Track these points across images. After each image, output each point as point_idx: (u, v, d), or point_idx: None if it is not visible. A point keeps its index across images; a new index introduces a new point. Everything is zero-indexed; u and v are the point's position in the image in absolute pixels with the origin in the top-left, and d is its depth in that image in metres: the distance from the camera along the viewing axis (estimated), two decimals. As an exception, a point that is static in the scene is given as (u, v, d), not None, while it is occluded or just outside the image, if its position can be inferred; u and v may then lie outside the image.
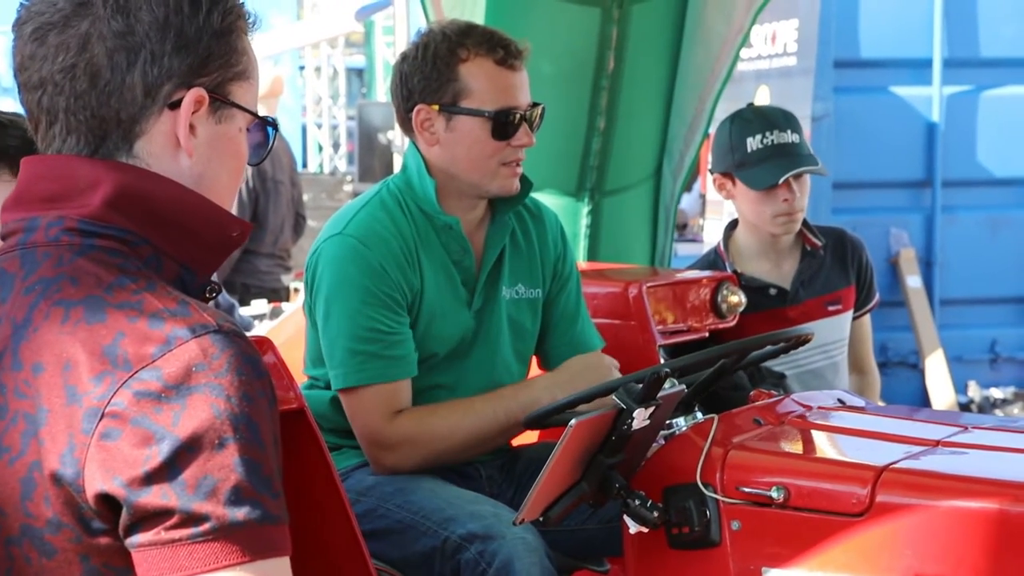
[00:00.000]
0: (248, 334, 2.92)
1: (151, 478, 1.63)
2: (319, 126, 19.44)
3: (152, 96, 1.83)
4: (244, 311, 7.59)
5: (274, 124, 2.02)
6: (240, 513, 1.64)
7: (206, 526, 1.63)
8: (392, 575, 3.23)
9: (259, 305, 7.57)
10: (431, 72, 3.51)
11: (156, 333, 1.69)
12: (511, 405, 3.47)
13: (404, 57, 3.61)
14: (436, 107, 3.52)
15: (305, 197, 9.48)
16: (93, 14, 1.81)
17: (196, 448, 1.64)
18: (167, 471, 1.63)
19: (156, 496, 1.63)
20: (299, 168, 12.45)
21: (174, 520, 1.64)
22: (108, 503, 1.66)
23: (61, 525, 1.69)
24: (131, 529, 1.66)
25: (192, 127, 1.86)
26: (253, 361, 1.71)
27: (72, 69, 1.82)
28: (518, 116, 3.52)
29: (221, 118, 1.90)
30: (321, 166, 18.85)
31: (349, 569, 2.84)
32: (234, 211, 6.61)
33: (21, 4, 1.87)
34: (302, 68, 19.91)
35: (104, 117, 1.84)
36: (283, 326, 4.94)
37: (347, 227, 3.49)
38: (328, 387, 3.53)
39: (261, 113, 1.99)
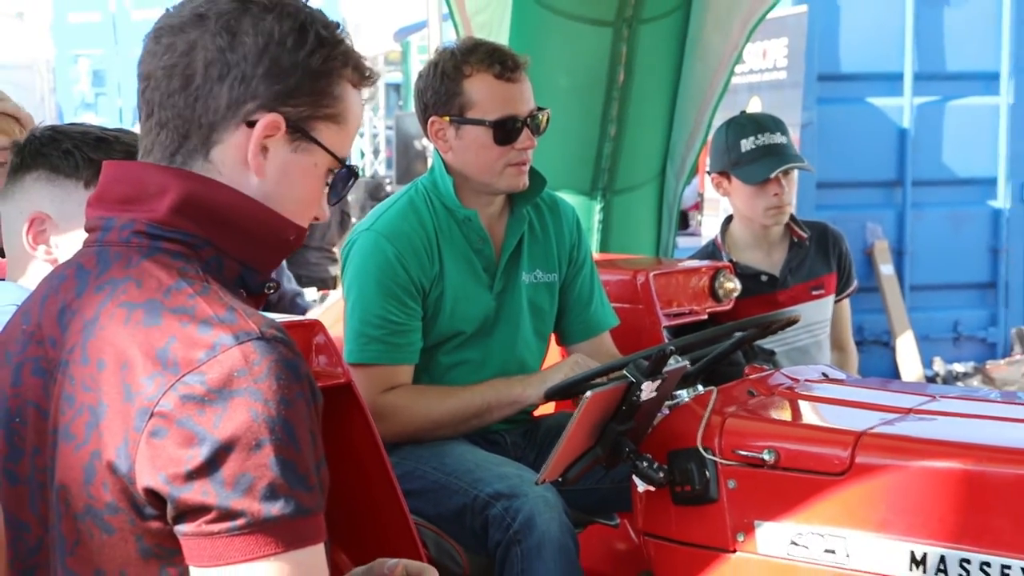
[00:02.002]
0: (302, 318, 2.94)
1: (193, 476, 1.61)
2: (361, 135, 19.46)
3: (233, 110, 1.80)
4: (295, 298, 7.64)
5: (353, 171, 1.94)
6: (275, 509, 1.61)
7: (242, 521, 1.61)
8: (429, 529, 3.23)
9: (309, 293, 7.61)
10: (440, 88, 3.53)
11: (204, 339, 1.65)
12: (488, 394, 3.48)
13: (420, 75, 3.63)
14: (447, 118, 3.53)
15: (350, 198, 9.49)
16: (204, 27, 1.79)
17: (234, 449, 1.60)
18: (207, 470, 1.60)
19: (197, 493, 1.61)
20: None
21: (213, 515, 1.61)
22: (155, 495, 1.64)
23: (118, 509, 1.68)
24: (177, 519, 1.64)
25: (266, 149, 1.82)
26: (292, 365, 1.67)
27: (172, 68, 1.80)
28: (519, 122, 3.51)
29: (298, 148, 1.84)
30: (363, 170, 18.89)
31: (392, 523, 2.85)
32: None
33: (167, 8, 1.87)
34: (347, 83, 19.93)
35: (188, 118, 1.80)
36: (331, 310, 4.95)
37: (376, 223, 3.52)
38: None
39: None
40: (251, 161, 1.82)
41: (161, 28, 1.83)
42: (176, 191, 1.80)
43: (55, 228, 2.37)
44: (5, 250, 2.46)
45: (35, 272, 2.36)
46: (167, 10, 1.85)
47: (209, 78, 1.79)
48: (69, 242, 2.33)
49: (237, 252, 1.84)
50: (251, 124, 1.80)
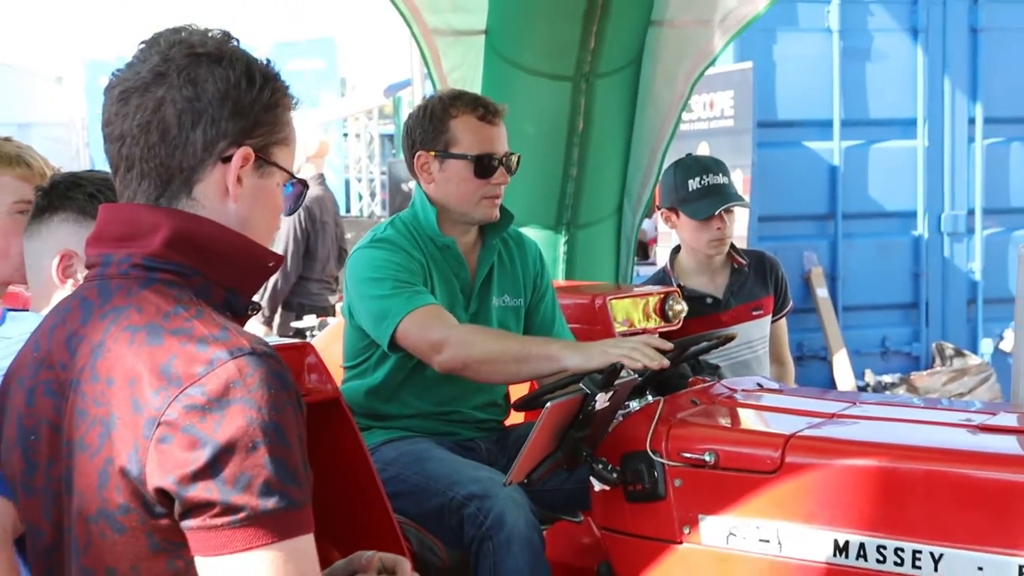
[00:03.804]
0: (295, 340, 2.94)
1: (197, 476, 1.61)
2: (359, 180, 19.54)
3: (209, 151, 1.81)
4: (298, 324, 7.64)
5: (305, 184, 1.99)
6: (270, 503, 1.62)
7: (242, 514, 1.61)
8: (412, 527, 3.21)
9: (310, 319, 7.63)
10: (428, 126, 3.55)
11: (202, 355, 1.66)
12: (530, 345, 3.37)
13: (410, 116, 3.66)
14: (432, 153, 3.55)
15: (348, 235, 9.48)
16: (168, 83, 1.79)
17: (233, 451, 1.61)
18: (210, 470, 1.61)
19: (202, 491, 1.62)
20: (343, 212, 12.47)
21: (217, 510, 1.62)
22: (164, 494, 1.65)
23: (129, 509, 1.68)
24: (183, 515, 1.64)
25: (240, 179, 1.83)
26: (280, 376, 1.68)
27: (147, 125, 1.80)
28: (496, 160, 3.53)
29: (263, 174, 1.87)
30: (361, 210, 18.92)
31: (378, 522, 2.84)
32: (291, 246, 6.64)
33: (113, 72, 1.86)
34: (345, 135, 19.98)
35: (170, 165, 1.81)
36: (328, 334, 4.94)
37: (373, 238, 3.55)
38: (361, 375, 3.56)
39: (311, 171, 1.98)
40: (231, 191, 1.83)
41: (125, 91, 1.82)
42: (167, 228, 1.80)
43: (81, 263, 2.37)
44: (30, 283, 2.46)
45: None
46: (116, 73, 1.85)
47: (183, 127, 1.80)
48: None
49: (223, 279, 1.84)
50: (226, 160, 1.82)
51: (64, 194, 2.40)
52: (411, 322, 3.36)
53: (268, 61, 1.89)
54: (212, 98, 1.80)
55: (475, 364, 3.35)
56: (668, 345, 3.17)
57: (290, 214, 2.00)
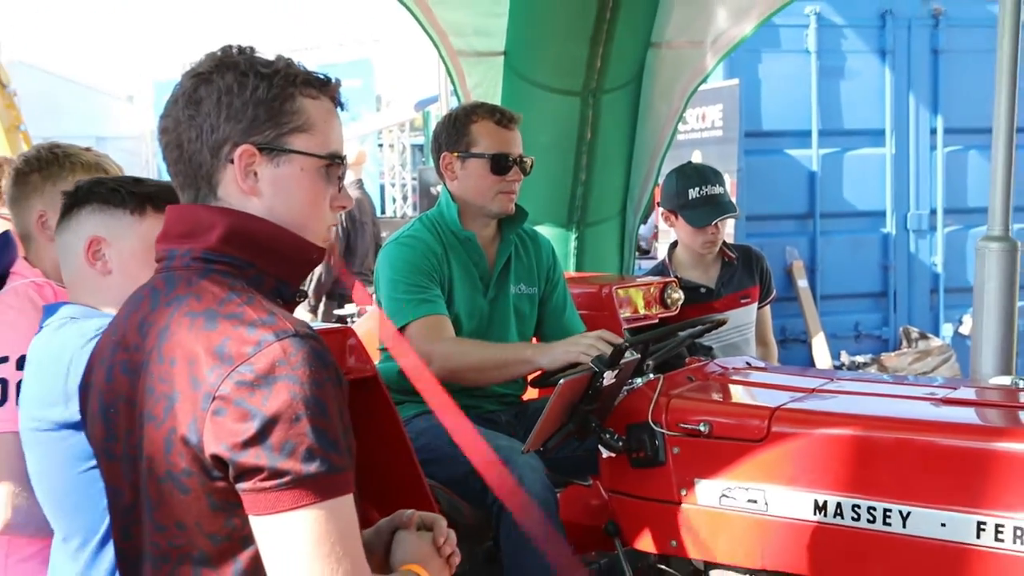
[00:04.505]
0: (338, 325, 2.94)
1: (248, 444, 1.62)
2: (392, 185, 19.56)
3: (216, 155, 1.80)
4: (340, 312, 7.66)
5: (338, 158, 1.88)
6: (312, 467, 1.62)
7: (288, 478, 1.62)
8: (441, 489, 3.21)
9: (350, 307, 7.65)
10: (452, 130, 3.56)
11: (251, 337, 1.66)
12: (508, 352, 3.40)
13: (438, 124, 3.67)
14: (455, 154, 3.56)
15: (383, 234, 9.49)
16: (177, 106, 1.81)
17: (279, 422, 1.61)
18: (259, 439, 1.61)
19: (252, 457, 1.62)
20: (378, 214, 12.45)
21: (265, 474, 1.62)
22: (220, 460, 1.65)
23: (191, 473, 1.68)
24: (237, 479, 1.65)
25: (255, 173, 1.81)
26: (321, 356, 1.67)
27: (169, 145, 1.83)
28: (510, 159, 3.53)
29: (279, 163, 1.82)
30: (395, 212, 18.94)
31: (412, 486, 2.84)
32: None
33: None
34: (381, 145, 19.99)
35: (192, 175, 1.82)
36: (366, 320, 4.95)
37: (400, 236, 3.55)
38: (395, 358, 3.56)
39: (350, 177, 1.93)
40: (243, 186, 1.81)
41: (160, 119, 1.85)
42: (223, 225, 1.81)
43: (108, 246, 2.37)
44: (64, 272, 2.44)
45: (93, 288, 2.37)
46: None
47: (191, 141, 1.80)
48: (118, 254, 2.35)
49: (273, 270, 1.84)
50: (233, 160, 1.80)
51: (88, 190, 2.41)
52: (411, 331, 3.38)
53: (281, 57, 1.84)
54: (210, 109, 1.79)
55: (462, 373, 3.37)
56: (619, 339, 3.19)
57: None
